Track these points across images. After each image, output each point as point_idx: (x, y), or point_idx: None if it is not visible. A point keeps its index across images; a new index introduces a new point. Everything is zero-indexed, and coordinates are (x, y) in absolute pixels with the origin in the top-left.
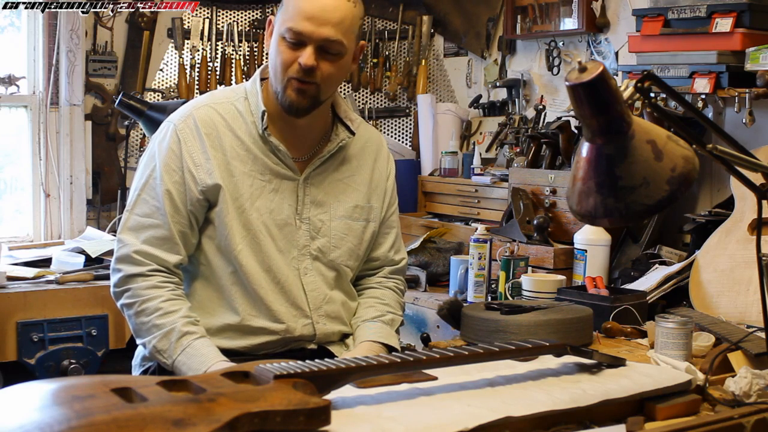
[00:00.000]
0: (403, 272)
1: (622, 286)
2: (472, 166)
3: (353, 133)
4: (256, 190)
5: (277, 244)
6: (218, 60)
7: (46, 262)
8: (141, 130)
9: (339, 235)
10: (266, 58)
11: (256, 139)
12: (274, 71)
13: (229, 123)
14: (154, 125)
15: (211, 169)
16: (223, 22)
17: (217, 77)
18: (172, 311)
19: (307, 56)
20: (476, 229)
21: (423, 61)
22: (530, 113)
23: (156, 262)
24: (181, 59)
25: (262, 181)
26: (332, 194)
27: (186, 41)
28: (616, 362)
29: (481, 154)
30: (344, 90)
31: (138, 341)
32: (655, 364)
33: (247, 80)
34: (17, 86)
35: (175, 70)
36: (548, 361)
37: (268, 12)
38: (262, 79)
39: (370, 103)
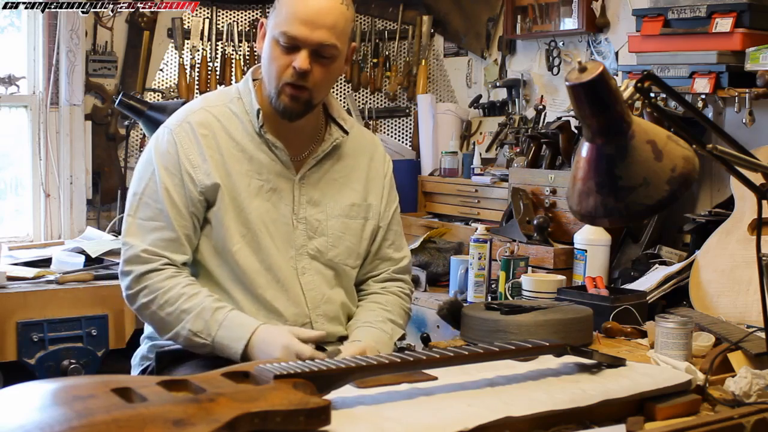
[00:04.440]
0: (407, 271)
1: (622, 286)
2: (472, 166)
3: (347, 132)
4: (254, 189)
5: (275, 243)
6: (218, 60)
7: (46, 262)
8: (141, 130)
9: (336, 234)
10: None
11: (253, 137)
12: (267, 75)
13: (224, 124)
14: (154, 125)
15: (209, 169)
16: (223, 22)
17: (217, 77)
18: (195, 294)
19: (301, 60)
20: (476, 229)
21: (423, 61)
22: (530, 113)
23: (166, 258)
24: (181, 59)
25: (260, 180)
26: (328, 193)
27: (186, 41)
28: (616, 362)
29: (481, 154)
30: (344, 90)
31: (167, 336)
32: (655, 364)
33: None
34: (17, 86)
35: (175, 70)
36: (548, 361)
37: (267, 12)
38: (254, 80)
39: (370, 103)
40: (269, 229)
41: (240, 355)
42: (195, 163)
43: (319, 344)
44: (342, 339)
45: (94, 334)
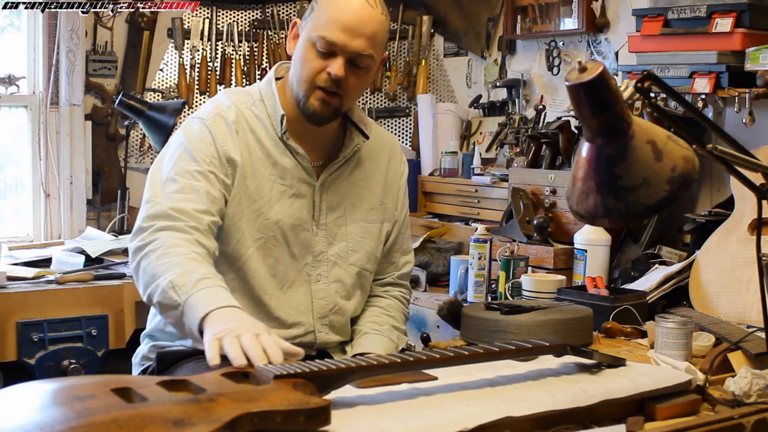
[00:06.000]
0: (408, 277)
1: (622, 286)
2: (472, 166)
3: (367, 137)
4: (276, 194)
5: (290, 250)
6: (218, 60)
7: (46, 262)
8: (141, 130)
9: (356, 239)
10: (266, 57)
11: (276, 142)
12: (298, 77)
13: (252, 126)
14: (154, 125)
15: (235, 165)
16: (223, 22)
17: (217, 77)
18: (198, 260)
19: (337, 67)
20: (476, 229)
21: (423, 61)
22: (530, 113)
23: (195, 221)
24: (181, 59)
25: (283, 185)
26: (348, 198)
27: (186, 41)
28: (616, 362)
29: (481, 154)
30: None
31: (146, 293)
32: (655, 364)
33: (247, 80)
34: (17, 86)
35: (175, 70)
36: (548, 361)
37: (268, 12)
38: (276, 78)
39: (370, 103)
40: (287, 235)
41: (200, 318)
42: (227, 154)
43: (324, 349)
44: (343, 344)
45: (94, 334)
